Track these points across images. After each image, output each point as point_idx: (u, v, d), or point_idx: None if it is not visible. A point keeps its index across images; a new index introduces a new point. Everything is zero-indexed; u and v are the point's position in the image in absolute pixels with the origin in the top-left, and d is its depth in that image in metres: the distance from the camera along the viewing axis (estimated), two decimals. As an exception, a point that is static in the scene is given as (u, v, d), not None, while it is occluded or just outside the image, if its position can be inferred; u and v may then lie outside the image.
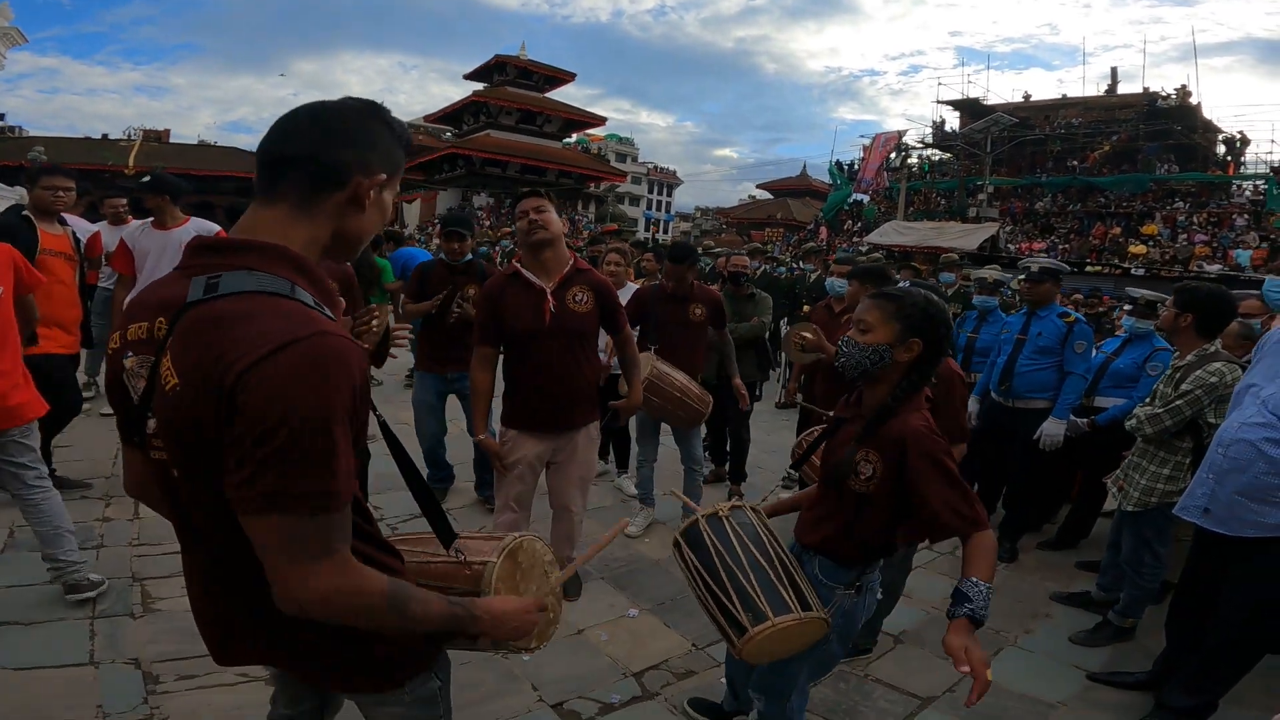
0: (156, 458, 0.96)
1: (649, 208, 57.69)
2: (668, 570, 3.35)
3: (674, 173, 62.72)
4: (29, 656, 2.25)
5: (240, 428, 0.80)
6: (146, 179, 4.03)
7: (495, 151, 36.56)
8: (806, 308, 7.02)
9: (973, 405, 4.03)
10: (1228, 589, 2.21)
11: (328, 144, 0.95)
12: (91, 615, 2.52)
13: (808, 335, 3.45)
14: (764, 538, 1.70)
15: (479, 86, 39.42)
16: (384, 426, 1.14)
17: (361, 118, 0.99)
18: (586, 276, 2.71)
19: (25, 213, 3.46)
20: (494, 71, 39.03)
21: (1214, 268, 17.94)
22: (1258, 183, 20.61)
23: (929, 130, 29.15)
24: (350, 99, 1.02)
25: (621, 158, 54.30)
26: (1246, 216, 19.54)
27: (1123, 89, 27.05)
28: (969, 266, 6.53)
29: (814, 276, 7.87)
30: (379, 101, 1.03)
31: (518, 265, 2.67)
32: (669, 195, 60.96)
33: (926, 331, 1.62)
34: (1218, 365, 2.62)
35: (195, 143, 36.75)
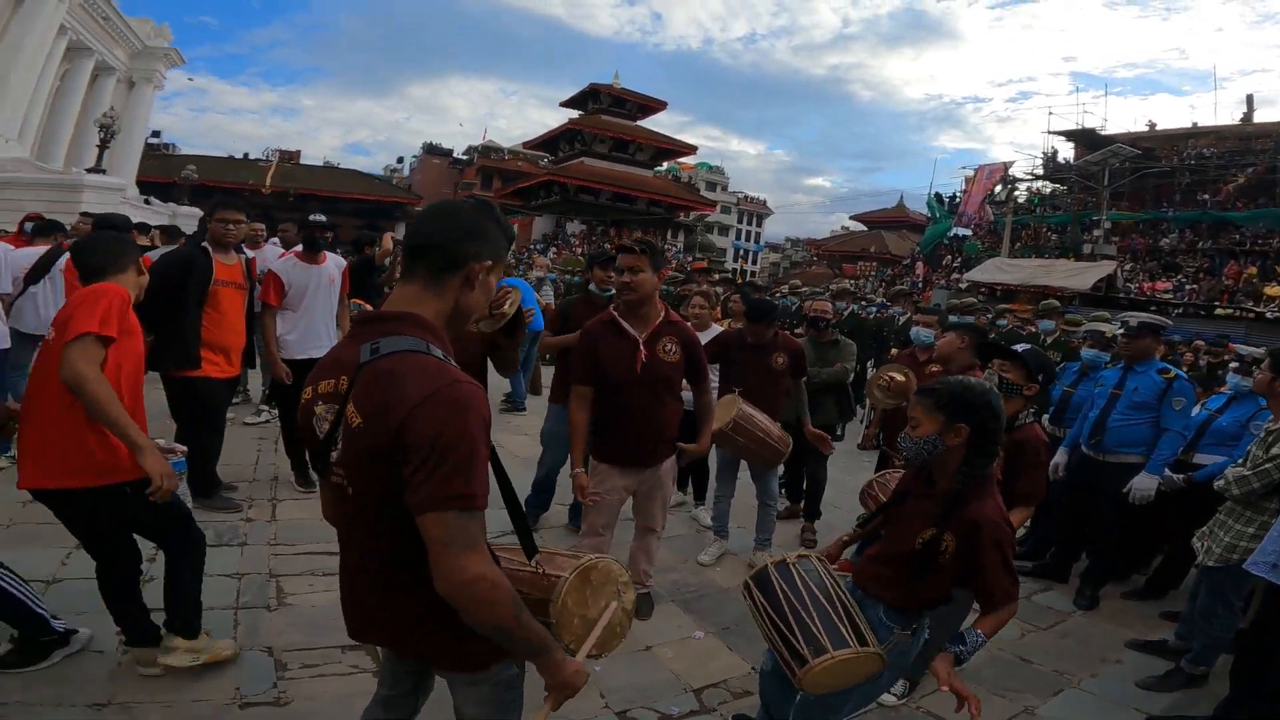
0: (336, 482, 1.26)
1: (738, 238, 57.65)
2: (735, 597, 3.45)
3: (764, 202, 62.48)
4: None
5: (411, 454, 1.11)
6: (319, 217, 4.46)
7: (589, 179, 37.53)
8: (895, 351, 6.94)
9: (1061, 456, 3.96)
10: None
11: (450, 237, 1.26)
12: (235, 605, 2.91)
13: (896, 376, 3.48)
14: (827, 583, 1.89)
15: (574, 114, 40.71)
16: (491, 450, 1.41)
17: (479, 217, 1.29)
18: (676, 329, 2.94)
19: (205, 244, 3.80)
20: (588, 99, 40.21)
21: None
22: None
23: (1039, 161, 27.74)
24: (471, 200, 1.36)
25: (711, 186, 54.58)
26: None
27: (1260, 116, 24.93)
28: (1073, 312, 6.23)
29: (902, 320, 7.74)
30: (491, 203, 1.37)
31: (615, 313, 2.89)
32: (758, 225, 60.71)
33: (968, 416, 1.79)
34: None
35: (321, 164, 40.02)
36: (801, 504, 4.63)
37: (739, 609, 3.27)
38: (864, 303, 9.42)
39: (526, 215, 37.30)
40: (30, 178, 16.27)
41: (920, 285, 26.03)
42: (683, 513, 4.70)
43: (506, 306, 2.26)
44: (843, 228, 53.00)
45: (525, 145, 46.62)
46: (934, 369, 4.00)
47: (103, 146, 18.62)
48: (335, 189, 32.20)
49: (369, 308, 5.35)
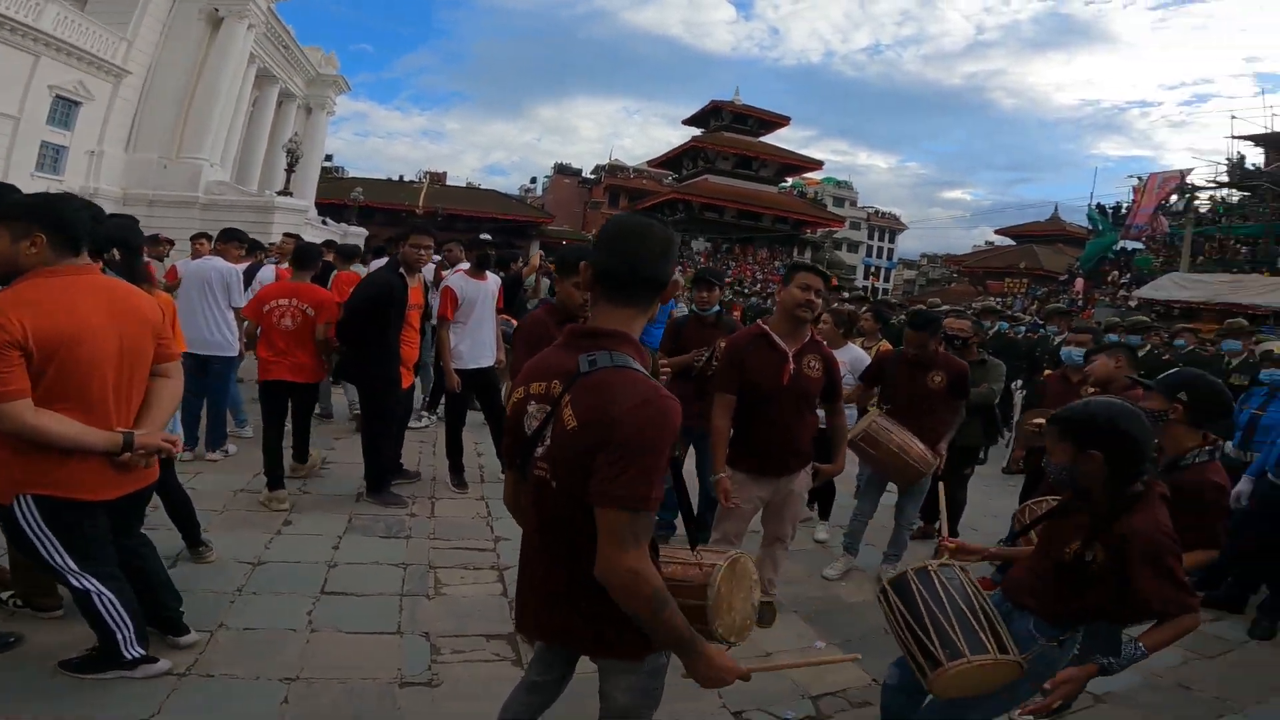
0: (539, 474, 1.40)
1: (869, 254, 55.48)
2: (859, 612, 3.41)
3: (897, 217, 59.67)
4: (356, 622, 2.84)
5: (613, 449, 1.26)
6: (486, 237, 4.94)
7: (713, 196, 37.67)
8: (1047, 371, 6.45)
9: (1245, 485, 3.60)
10: None
11: (661, 266, 1.41)
12: (400, 593, 3.14)
13: (1043, 422, 3.30)
14: (969, 590, 1.86)
15: (696, 131, 41.09)
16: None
17: (667, 240, 1.43)
18: (820, 349, 3.06)
19: (400, 270, 4.09)
20: (710, 117, 40.44)
21: None
22: None
23: (1223, 167, 24.43)
24: (658, 221, 1.48)
25: (839, 202, 53.07)
26: None
27: None
28: (1267, 333, 5.44)
29: (1058, 340, 7.12)
30: (669, 225, 1.50)
31: (765, 326, 3.02)
32: (891, 241, 58.08)
33: (1097, 443, 1.74)
34: None
35: (464, 185, 42.95)
36: (937, 524, 4.41)
37: (863, 624, 3.26)
38: (1013, 321, 8.73)
39: (652, 234, 37.99)
40: (231, 200, 18.88)
41: (1080, 303, 23.66)
42: (806, 528, 4.64)
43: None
44: (986, 242, 49.31)
45: (649, 164, 47.65)
46: (1090, 391, 3.73)
47: (290, 170, 20.98)
48: (477, 208, 34.52)
49: (515, 322, 5.82)
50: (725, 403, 2.97)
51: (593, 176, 50.02)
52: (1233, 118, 26.91)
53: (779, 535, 3.18)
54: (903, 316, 8.81)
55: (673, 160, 43.47)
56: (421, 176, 41.38)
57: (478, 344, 4.60)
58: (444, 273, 5.41)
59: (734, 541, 3.04)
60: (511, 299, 5.96)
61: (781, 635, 3.15)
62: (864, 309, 6.33)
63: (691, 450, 4.04)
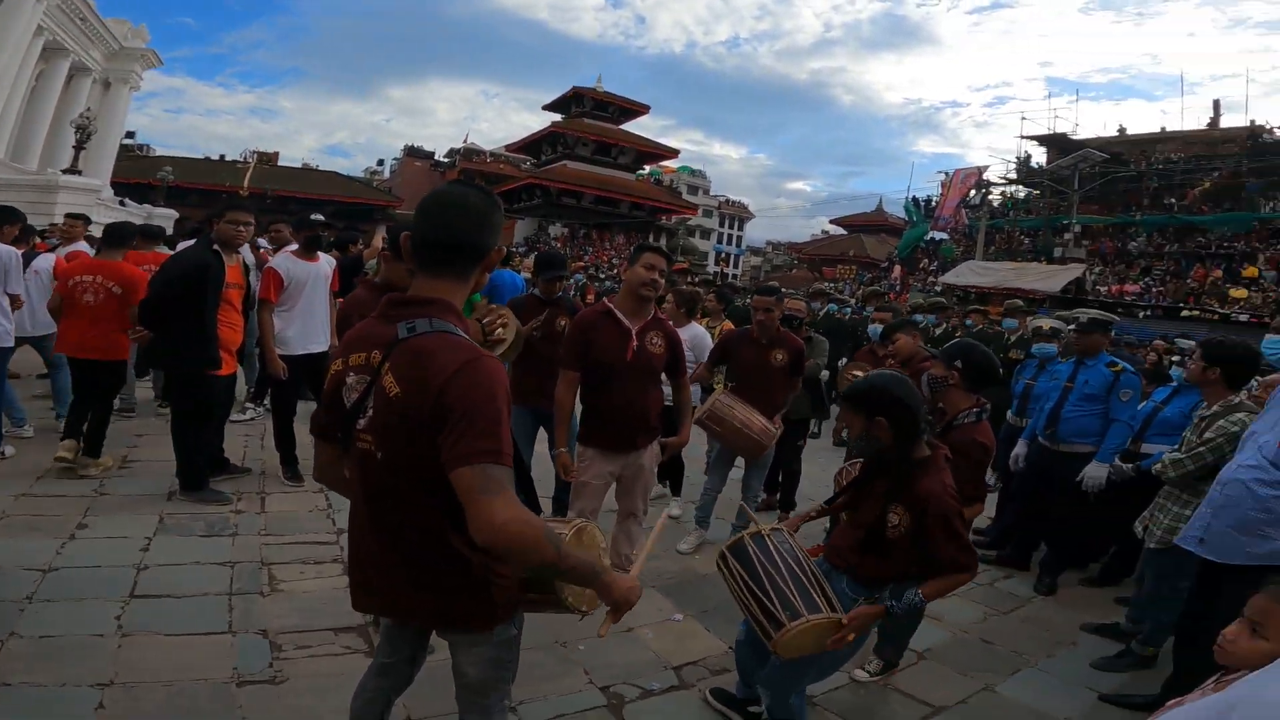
0: (362, 447, 1.39)
1: (719, 241, 57.99)
2: (714, 583, 3.60)
3: (745, 206, 62.93)
4: (178, 624, 2.66)
5: (448, 416, 1.26)
6: (319, 217, 4.55)
7: (571, 182, 37.54)
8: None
9: (1021, 448, 4.17)
10: (1215, 611, 2.30)
11: (481, 234, 1.41)
12: (229, 592, 3.01)
13: (859, 374, 3.66)
14: (799, 554, 2.04)
15: (557, 117, 40.72)
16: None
17: (491, 208, 1.43)
18: (663, 325, 3.19)
19: (215, 247, 3.82)
20: (571, 103, 40.26)
21: (1329, 316, 16.63)
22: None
23: (1013, 165, 28.37)
24: (478, 189, 1.45)
25: (693, 190, 54.87)
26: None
27: (1226, 122, 25.73)
28: (1043, 314, 6.51)
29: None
30: (493, 191, 1.49)
31: (611, 305, 3.11)
32: (740, 229, 61.14)
33: (881, 410, 1.99)
34: (1240, 415, 2.73)
35: (300, 166, 39.56)
36: (778, 495, 4.83)
37: (718, 595, 3.40)
38: (839, 304, 9.62)
39: (509, 218, 37.21)
40: (7, 178, 16.02)
41: (897, 288, 26.49)
42: (660, 504, 4.84)
43: (500, 332, 2.20)
44: (823, 231, 53.64)
45: (507, 148, 46.66)
46: (892, 363, 4.23)
47: (79, 147, 18.38)
48: (314, 191, 31.99)
49: None
50: (569, 379, 3.07)
51: (446, 160, 48.05)
52: (1023, 119, 31.02)
53: (632, 510, 3.30)
54: (748, 300, 9.39)
55: (532, 145, 42.79)
56: (247, 156, 37.53)
57: (308, 329, 4.33)
58: (267, 253, 5.05)
59: (588, 518, 3.13)
60: (349, 282, 5.57)
61: (641, 609, 3.14)
62: (708, 291, 6.70)
63: (543, 433, 4.06)
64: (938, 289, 23.55)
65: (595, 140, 39.04)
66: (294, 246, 4.68)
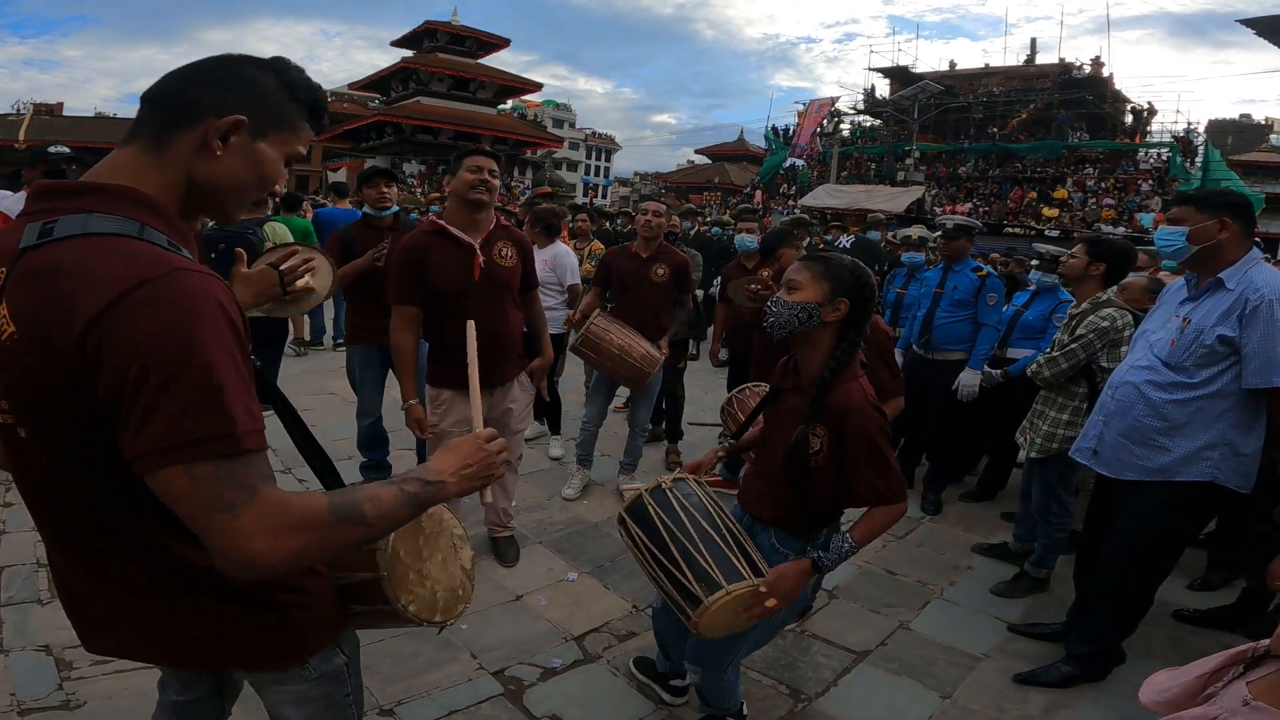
0: (2, 422, 0.86)
1: (587, 173, 56.83)
2: (606, 532, 3.37)
3: (612, 138, 61.87)
4: None
5: (109, 380, 0.75)
6: (62, 149, 3.51)
7: (426, 119, 35.29)
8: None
9: (897, 358, 4.18)
10: (1111, 531, 2.32)
11: (185, 82, 0.90)
12: None
13: (758, 288, 3.37)
14: (710, 508, 1.71)
15: (408, 54, 37.84)
16: (273, 392, 1.08)
17: (237, 64, 0.93)
18: (508, 232, 2.74)
19: None
20: (424, 38, 37.62)
21: (1119, 230, 19.14)
22: (1162, 150, 21.92)
23: (861, 97, 29.64)
24: (248, 55, 0.96)
25: (559, 124, 53.13)
26: (1151, 182, 20.86)
27: (1041, 59, 28.16)
28: (895, 227, 6.84)
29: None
30: (287, 59, 0.98)
31: (440, 221, 2.59)
32: (608, 161, 60.16)
33: (853, 292, 1.64)
34: (1109, 310, 2.79)
35: (92, 115, 34.10)
36: (664, 425, 4.58)
37: (613, 544, 3.19)
38: (721, 226, 9.42)
39: (358, 157, 34.04)
40: None
41: (760, 211, 27.32)
42: (539, 445, 4.51)
43: (307, 280, 1.60)
44: (688, 162, 53.75)
45: (352, 86, 42.75)
46: (764, 273, 4.06)
47: None
48: (112, 139, 27.21)
49: None
50: (406, 315, 2.57)
51: (280, 102, 42.90)
52: (871, 52, 32.54)
53: (505, 458, 2.90)
54: (617, 222, 9.01)
55: (380, 82, 39.24)
56: (21, 107, 31.60)
57: None
58: None
59: None
60: None
61: (531, 571, 2.97)
62: (578, 214, 6.28)
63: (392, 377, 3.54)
64: (797, 210, 24.54)
65: (451, 75, 36.56)
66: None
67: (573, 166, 53.74)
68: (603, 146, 59.52)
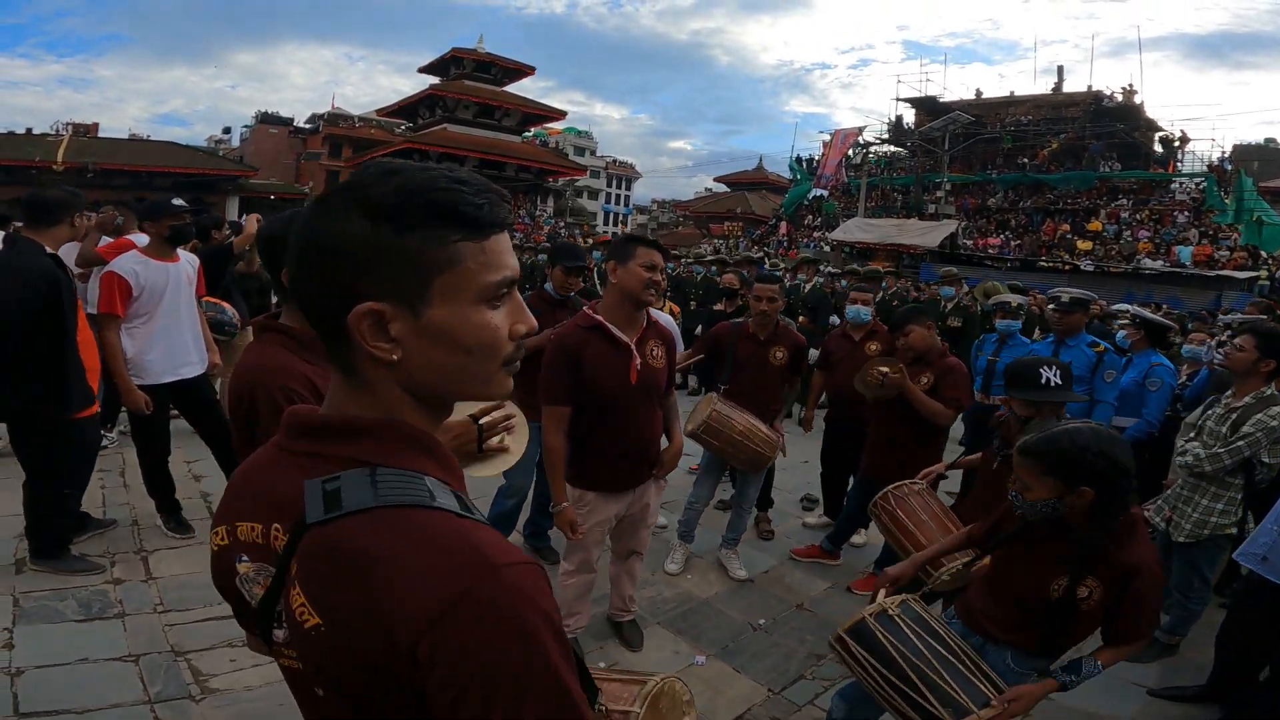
0: (288, 666, 0.74)
1: (608, 201, 57.37)
2: (719, 610, 3.34)
3: (632, 166, 62.51)
4: None
5: (443, 693, 0.62)
6: (180, 202, 3.45)
7: (453, 146, 35.80)
8: (802, 319, 6.93)
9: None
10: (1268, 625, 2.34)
11: (298, 282, 0.71)
12: (149, 699, 2.32)
13: (890, 372, 3.19)
14: (938, 629, 1.73)
15: (434, 80, 38.65)
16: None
17: (317, 225, 0.68)
18: (658, 329, 2.65)
19: (51, 252, 2.94)
20: (450, 65, 38.38)
21: (1156, 263, 18.89)
22: (1197, 180, 21.63)
23: (884, 126, 29.74)
24: (426, 166, 0.72)
25: (580, 151, 53.75)
26: (1187, 213, 20.58)
27: (1067, 86, 28.16)
28: (970, 281, 6.64)
29: (807, 287, 7.72)
30: (369, 166, 0.71)
31: (597, 316, 2.49)
32: (627, 188, 60.70)
33: (1091, 480, 1.59)
34: (1278, 409, 2.75)
35: (127, 137, 34.92)
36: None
37: (729, 623, 3.18)
38: (693, 261, 9.21)
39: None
40: None
41: (786, 244, 27.33)
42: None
43: (503, 440, 1.44)
44: (706, 189, 54.07)
45: (379, 112, 43.59)
46: (872, 347, 4.02)
47: None
48: (147, 163, 27.92)
49: (228, 308, 4.49)
50: (558, 416, 2.47)
51: (309, 126, 43.82)
52: (898, 81, 32.64)
53: (634, 548, 2.88)
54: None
55: (407, 109, 40.01)
56: (60, 128, 32.65)
57: (174, 348, 3.41)
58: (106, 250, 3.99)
59: (593, 569, 2.71)
60: (217, 279, 4.35)
61: (658, 656, 2.93)
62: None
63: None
64: (826, 246, 24.50)
65: (478, 102, 37.21)
66: (140, 239, 3.67)
67: (594, 195, 54.29)
68: (624, 175, 60.11)
